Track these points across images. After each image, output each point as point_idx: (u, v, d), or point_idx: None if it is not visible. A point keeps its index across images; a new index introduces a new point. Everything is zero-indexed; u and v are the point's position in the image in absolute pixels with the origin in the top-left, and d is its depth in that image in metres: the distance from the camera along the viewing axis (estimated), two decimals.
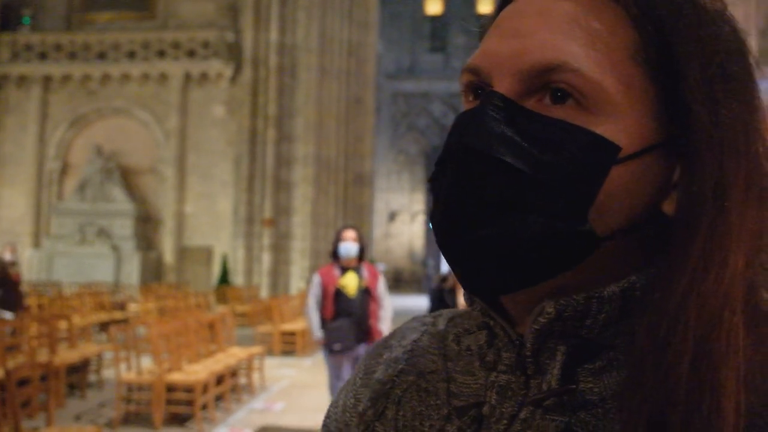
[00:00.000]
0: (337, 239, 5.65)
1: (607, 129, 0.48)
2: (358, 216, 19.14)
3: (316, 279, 5.72)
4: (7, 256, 9.58)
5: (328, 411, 0.67)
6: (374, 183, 20.39)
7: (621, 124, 0.48)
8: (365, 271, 5.68)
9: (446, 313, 0.65)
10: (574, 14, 0.49)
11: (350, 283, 5.58)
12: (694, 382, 0.44)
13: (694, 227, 0.47)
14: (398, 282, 29.94)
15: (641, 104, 0.49)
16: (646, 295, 0.48)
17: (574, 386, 0.50)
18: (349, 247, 5.57)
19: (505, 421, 0.51)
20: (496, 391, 0.53)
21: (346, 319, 5.53)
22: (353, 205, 19.37)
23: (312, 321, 5.69)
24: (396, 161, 32.38)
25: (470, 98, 0.53)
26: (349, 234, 5.63)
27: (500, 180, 0.48)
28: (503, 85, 0.50)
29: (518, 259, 0.48)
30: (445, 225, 0.50)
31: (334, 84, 19.05)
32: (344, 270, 5.62)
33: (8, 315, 8.48)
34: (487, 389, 0.53)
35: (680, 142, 0.49)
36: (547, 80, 0.48)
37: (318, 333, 5.66)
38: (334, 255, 5.65)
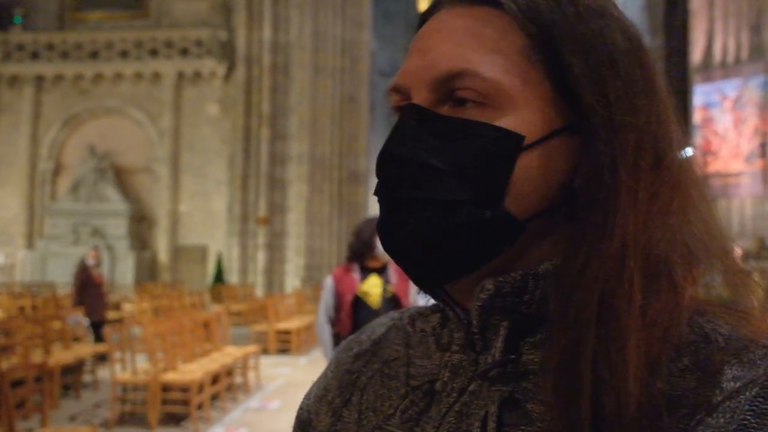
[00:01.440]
0: (374, 231, 4.12)
1: (510, 121, 0.53)
2: (353, 214, 19.14)
3: (329, 284, 4.41)
4: (90, 261, 9.89)
5: (302, 402, 0.72)
6: (369, 181, 20.37)
7: (521, 116, 0.54)
8: (392, 273, 4.37)
9: (413, 309, 0.70)
10: (468, 27, 0.56)
11: (374, 290, 4.32)
12: (602, 324, 0.49)
13: (593, 199, 0.52)
14: None
15: (538, 96, 0.54)
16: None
17: (515, 356, 0.54)
18: None
19: (455, 395, 0.56)
20: (449, 370, 0.58)
21: None
22: (348, 203, 19.37)
23: (323, 338, 4.37)
24: None
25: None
26: None
27: (426, 179, 0.54)
28: (419, 97, 0.56)
29: (450, 248, 0.54)
30: (387, 227, 0.56)
31: (328, 82, 19.04)
32: (366, 273, 4.34)
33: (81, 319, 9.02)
34: (441, 368, 0.58)
35: (577, 126, 0.54)
36: (453, 87, 0.55)
37: (331, 353, 4.09)
38: (356, 255, 4.36)
